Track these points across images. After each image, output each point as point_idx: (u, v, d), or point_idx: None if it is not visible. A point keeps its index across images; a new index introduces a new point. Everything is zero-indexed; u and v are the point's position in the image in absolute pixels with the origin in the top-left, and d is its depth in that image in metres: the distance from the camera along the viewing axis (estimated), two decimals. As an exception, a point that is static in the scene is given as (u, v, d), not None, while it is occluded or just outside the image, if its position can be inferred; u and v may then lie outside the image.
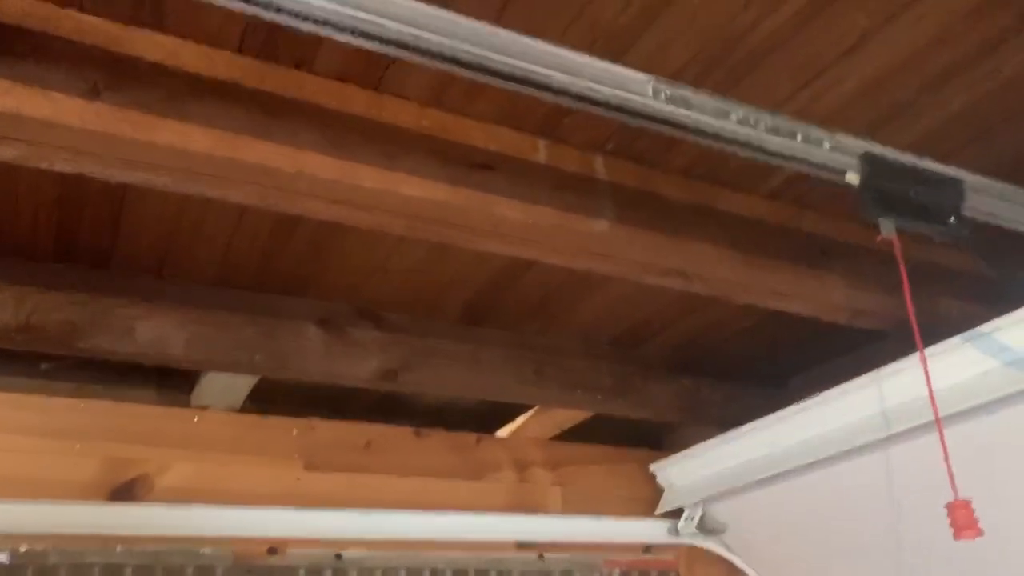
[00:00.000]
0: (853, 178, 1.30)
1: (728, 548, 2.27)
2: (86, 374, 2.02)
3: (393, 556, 2.01)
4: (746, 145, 1.25)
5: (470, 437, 2.26)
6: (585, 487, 2.34)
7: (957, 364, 1.54)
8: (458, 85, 1.39)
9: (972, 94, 1.45)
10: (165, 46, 1.24)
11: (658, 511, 2.31)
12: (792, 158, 1.27)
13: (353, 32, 1.05)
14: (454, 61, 1.08)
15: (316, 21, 1.03)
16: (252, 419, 2.03)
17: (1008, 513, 1.49)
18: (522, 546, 2.17)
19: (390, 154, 1.35)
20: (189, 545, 1.79)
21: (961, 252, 1.63)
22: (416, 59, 1.07)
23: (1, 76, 1.10)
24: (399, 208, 1.36)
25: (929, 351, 1.51)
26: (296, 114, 1.31)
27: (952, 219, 1.37)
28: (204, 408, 2.02)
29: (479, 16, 1.10)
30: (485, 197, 1.40)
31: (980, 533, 1.14)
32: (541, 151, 1.49)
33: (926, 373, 1.30)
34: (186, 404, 2.05)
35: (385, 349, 1.98)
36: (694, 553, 2.33)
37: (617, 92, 1.15)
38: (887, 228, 1.31)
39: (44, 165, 1.18)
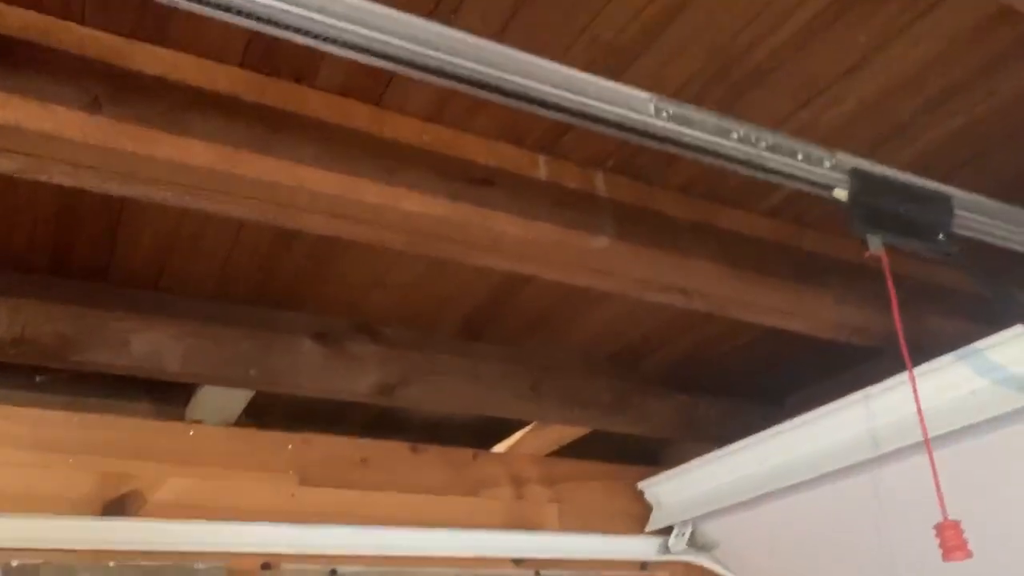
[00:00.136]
0: (841, 194, 1.31)
1: (723, 565, 2.26)
2: (80, 387, 2.00)
3: (388, 572, 1.99)
4: (746, 163, 1.25)
5: (467, 453, 2.25)
6: (582, 504, 2.33)
7: (947, 383, 1.54)
8: (459, 101, 1.39)
9: (970, 115, 1.46)
10: (166, 60, 1.24)
11: (647, 529, 2.30)
12: (780, 173, 1.27)
13: (357, 48, 1.05)
14: (457, 78, 1.08)
15: (320, 37, 1.03)
16: (247, 434, 2.01)
17: (997, 534, 1.48)
18: (518, 563, 2.16)
19: (391, 169, 1.35)
20: (182, 560, 1.77)
21: (951, 269, 1.63)
22: (419, 76, 1.07)
23: (1, 88, 1.10)
24: (399, 223, 1.36)
25: (918, 370, 1.51)
26: (297, 129, 1.31)
27: (941, 235, 1.37)
28: (199, 422, 2.00)
29: (482, 33, 1.10)
30: (485, 213, 1.40)
31: (969, 555, 1.14)
32: (542, 167, 1.49)
33: (915, 392, 1.29)
34: (181, 418, 2.04)
35: (382, 364, 1.97)
36: (690, 571, 2.32)
37: (619, 110, 1.15)
38: (875, 244, 1.31)
39: (43, 178, 1.17)
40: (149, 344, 1.73)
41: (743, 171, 1.28)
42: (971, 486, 1.46)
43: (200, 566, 1.79)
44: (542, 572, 2.16)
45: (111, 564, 1.71)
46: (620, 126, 1.17)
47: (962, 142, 1.51)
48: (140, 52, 1.22)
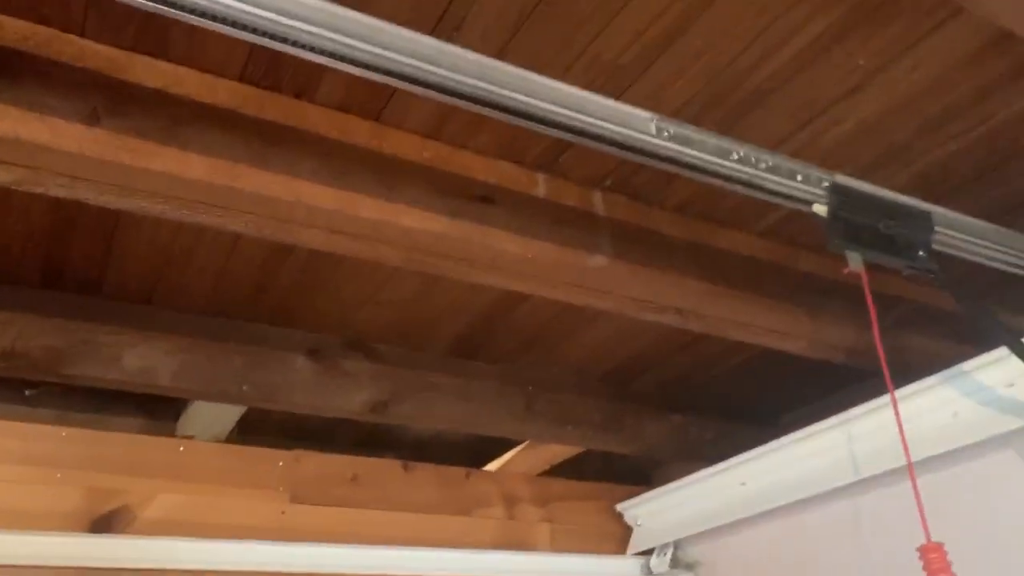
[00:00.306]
0: (820, 209, 1.31)
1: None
2: (70, 402, 1.98)
3: (379, 592, 1.97)
4: (748, 184, 1.26)
5: (459, 471, 2.23)
6: (574, 524, 2.31)
7: (929, 405, 1.53)
8: (459, 118, 1.39)
9: (966, 138, 1.47)
10: (166, 73, 1.23)
11: (629, 551, 2.28)
12: (760, 188, 1.27)
13: (359, 64, 1.05)
14: (459, 95, 1.09)
15: (323, 52, 1.03)
16: (237, 450, 1.99)
17: (981, 559, 1.46)
18: (508, 583, 2.14)
19: (390, 185, 1.34)
20: (171, 578, 1.75)
21: (934, 288, 1.63)
22: (421, 92, 1.08)
23: (0, 100, 1.09)
24: (398, 239, 1.35)
25: (902, 391, 1.50)
26: (296, 143, 1.30)
27: (921, 253, 1.37)
28: (189, 438, 1.98)
29: (483, 52, 1.10)
30: (484, 230, 1.40)
31: None
32: (540, 185, 1.50)
33: (896, 414, 1.28)
34: (172, 433, 2.02)
35: (375, 381, 1.96)
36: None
37: (620, 129, 1.16)
38: (855, 261, 1.31)
39: (40, 190, 1.16)
40: (141, 359, 1.71)
41: (741, 191, 1.28)
42: (954, 511, 1.45)
43: (188, 584, 1.76)
44: (531, 593, 2.14)
45: (98, 581, 1.68)
46: (621, 145, 1.17)
47: (958, 165, 1.52)
48: (140, 65, 1.22)
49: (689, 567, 2.21)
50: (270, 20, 0.99)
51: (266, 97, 1.30)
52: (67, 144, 1.12)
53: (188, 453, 1.92)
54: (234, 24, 0.97)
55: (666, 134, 1.18)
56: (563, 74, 1.27)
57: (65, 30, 1.17)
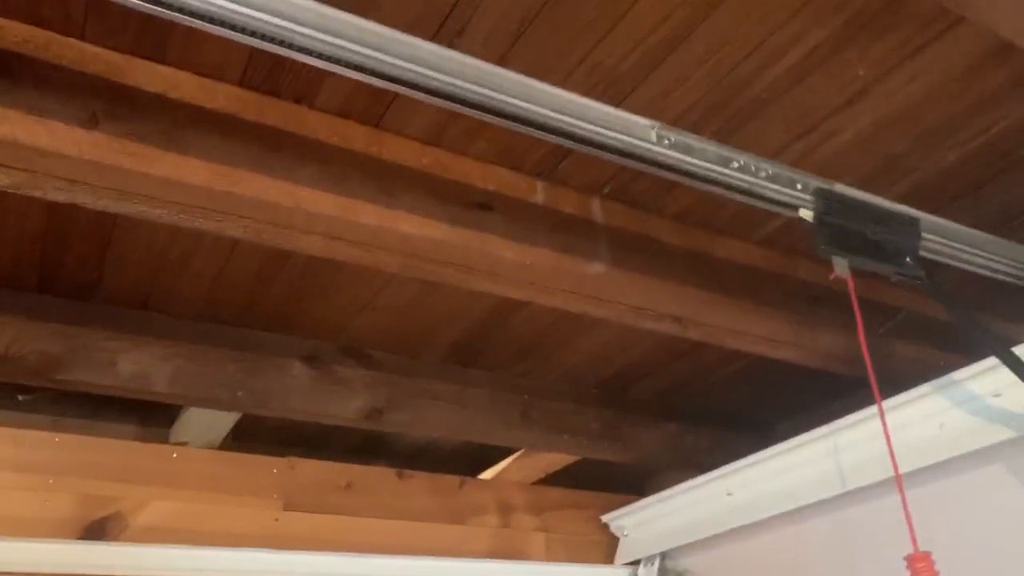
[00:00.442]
0: (807, 214, 1.31)
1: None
2: (63, 407, 1.97)
3: (373, 601, 1.96)
4: (748, 192, 1.26)
5: (453, 480, 2.22)
6: (569, 533, 2.30)
7: (918, 415, 1.53)
8: (458, 124, 1.39)
9: (964, 149, 1.47)
10: (166, 77, 1.23)
11: (616, 562, 2.28)
12: (747, 192, 1.27)
13: (360, 69, 1.05)
14: (460, 100, 1.09)
15: (324, 57, 1.03)
16: (231, 457, 1.98)
17: (973, 570, 1.45)
18: (502, 592, 2.13)
19: (389, 191, 1.34)
20: (163, 586, 1.73)
21: (921, 295, 1.63)
22: (423, 97, 1.08)
23: (-1, 102, 1.09)
24: (397, 246, 1.35)
25: (891, 401, 1.50)
26: (295, 149, 1.30)
27: (908, 259, 1.37)
28: (183, 444, 1.97)
29: (485, 58, 1.10)
30: (483, 237, 1.40)
31: None
32: (539, 192, 1.49)
33: (884, 426, 1.28)
34: (165, 440, 2.00)
35: (371, 388, 1.95)
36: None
37: (621, 136, 1.16)
38: (841, 266, 1.31)
39: (37, 194, 1.16)
40: (136, 364, 1.70)
41: (740, 199, 1.29)
42: (943, 523, 1.44)
43: (181, 592, 1.75)
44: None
45: (90, 589, 1.67)
46: (622, 152, 1.17)
47: (956, 176, 1.53)
48: (140, 69, 1.21)
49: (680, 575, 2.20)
50: (271, 24, 0.98)
51: (266, 102, 1.30)
52: (66, 148, 1.12)
53: (182, 460, 1.91)
54: (234, 28, 0.97)
55: (667, 142, 1.19)
56: (564, 80, 1.27)
57: (65, 33, 1.17)
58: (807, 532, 1.82)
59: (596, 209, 1.54)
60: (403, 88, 1.07)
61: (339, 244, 1.33)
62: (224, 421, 2.03)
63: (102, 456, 1.81)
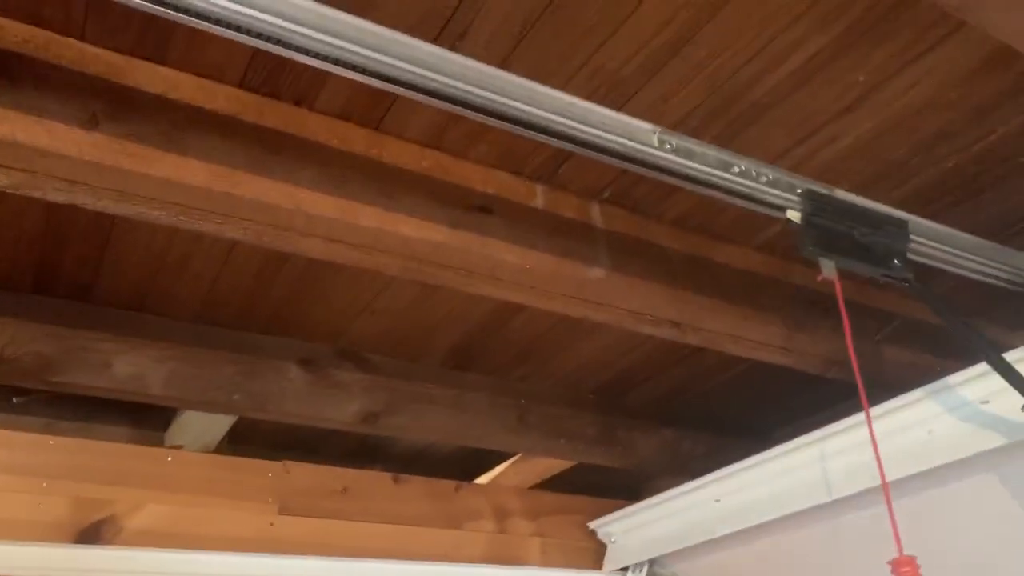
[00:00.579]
0: (794, 215, 1.31)
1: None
2: (58, 409, 1.96)
3: (368, 605, 1.95)
4: (762, 203, 1.26)
5: (449, 484, 2.21)
6: (565, 538, 2.30)
7: (905, 422, 1.52)
8: (458, 128, 1.38)
9: (963, 155, 1.48)
10: (167, 78, 1.22)
11: (604, 568, 2.27)
12: (736, 193, 1.27)
13: (362, 70, 1.04)
14: (462, 103, 1.08)
15: (326, 58, 1.03)
16: (226, 460, 1.97)
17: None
18: (499, 598, 2.12)
19: (389, 194, 1.34)
20: (157, 591, 1.72)
21: (913, 298, 1.63)
22: (424, 99, 1.08)
23: (-2, 102, 1.08)
24: (397, 248, 1.34)
25: (882, 407, 1.49)
26: (296, 151, 1.30)
27: (896, 261, 1.37)
28: (178, 448, 1.96)
29: (488, 60, 1.10)
30: (483, 240, 1.40)
31: None
32: (539, 196, 1.49)
33: (871, 431, 1.28)
34: (160, 443, 1.99)
35: (368, 391, 1.95)
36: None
37: (623, 140, 1.16)
38: (828, 268, 1.31)
39: (37, 194, 1.15)
40: (132, 366, 1.69)
41: (740, 203, 1.29)
42: (931, 532, 1.42)
43: (175, 596, 1.74)
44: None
45: (83, 593, 1.66)
46: (624, 156, 1.17)
47: (955, 182, 1.53)
48: (140, 70, 1.21)
49: (668, 579, 2.20)
50: (272, 24, 0.98)
51: (266, 104, 1.30)
52: (66, 148, 1.11)
53: (176, 463, 1.89)
54: (238, 29, 0.97)
55: (668, 146, 1.19)
56: (565, 84, 1.26)
57: (65, 33, 1.16)
58: (796, 540, 1.81)
59: (596, 214, 1.54)
60: (405, 90, 1.07)
61: (339, 247, 1.32)
62: (219, 424, 2.02)
63: (96, 459, 1.80)
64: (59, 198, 1.16)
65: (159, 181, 1.18)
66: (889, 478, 1.26)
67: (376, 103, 1.33)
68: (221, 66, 1.25)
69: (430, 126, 1.38)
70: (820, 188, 1.33)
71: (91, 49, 1.18)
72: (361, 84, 1.07)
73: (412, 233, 1.34)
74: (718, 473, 1.92)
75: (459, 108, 1.07)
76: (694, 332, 1.62)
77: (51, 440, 1.78)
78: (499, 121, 1.11)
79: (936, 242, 1.45)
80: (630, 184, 1.53)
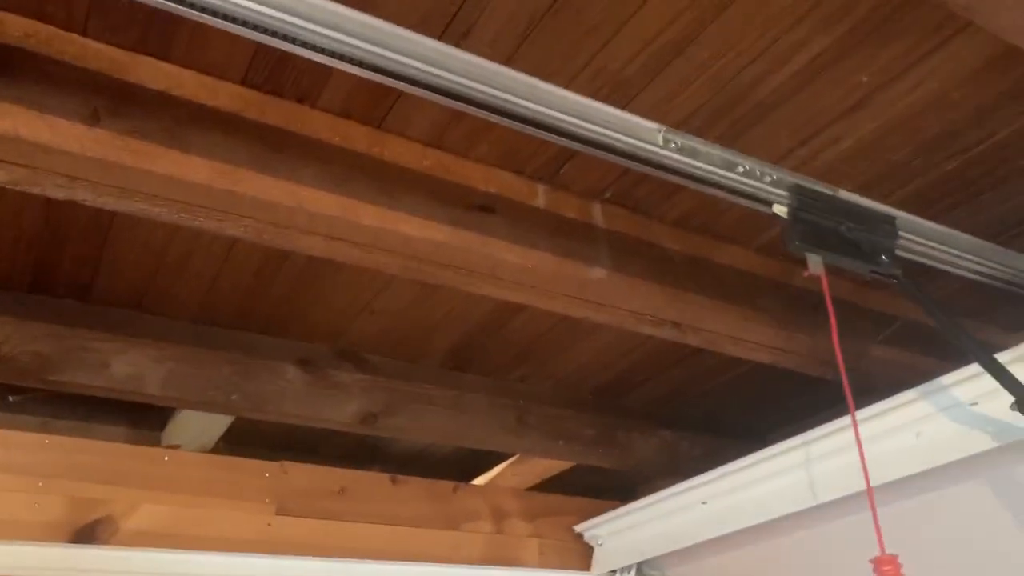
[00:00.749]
0: (781, 210, 1.31)
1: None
2: (54, 409, 1.95)
3: (365, 607, 1.94)
4: (749, 197, 1.26)
5: (447, 485, 2.21)
6: (561, 540, 2.30)
7: (892, 425, 1.51)
8: (460, 127, 1.38)
9: (965, 157, 1.47)
10: (169, 75, 1.22)
11: (592, 571, 2.26)
12: (718, 185, 1.26)
13: (366, 66, 1.04)
14: (467, 100, 1.08)
15: (329, 53, 1.03)
16: (223, 461, 1.96)
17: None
18: (495, 599, 2.12)
19: (391, 193, 1.33)
20: (154, 591, 1.71)
21: (901, 296, 1.62)
22: (429, 96, 1.07)
23: (0, 98, 1.07)
24: (398, 247, 1.34)
25: (870, 410, 1.49)
26: (297, 149, 1.29)
27: (884, 257, 1.36)
28: (175, 447, 1.95)
29: (492, 58, 1.10)
30: (484, 240, 1.39)
31: None
32: (540, 196, 1.49)
33: (857, 434, 1.27)
34: (157, 443, 1.98)
35: (366, 392, 1.94)
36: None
37: (628, 139, 1.16)
38: (815, 263, 1.30)
39: (37, 190, 1.14)
40: (130, 366, 1.68)
41: (744, 203, 1.29)
42: (918, 536, 1.41)
43: (172, 597, 1.73)
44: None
45: (79, 594, 1.65)
46: (628, 155, 1.17)
47: (956, 183, 1.53)
48: (142, 66, 1.20)
49: (657, 582, 2.19)
50: (276, 19, 0.98)
51: (268, 101, 1.29)
52: (67, 144, 1.11)
53: (173, 463, 1.89)
54: (244, 23, 0.97)
55: (673, 145, 1.19)
56: (569, 83, 1.26)
57: (67, 29, 1.16)
58: (783, 544, 1.81)
59: (597, 214, 1.54)
60: (409, 86, 1.07)
61: (340, 245, 1.32)
62: (217, 424, 2.01)
63: (93, 459, 1.79)
64: (60, 194, 1.15)
65: (161, 178, 1.17)
66: (876, 482, 1.25)
67: (378, 102, 1.33)
68: (224, 63, 1.24)
69: (432, 125, 1.38)
70: (807, 183, 1.33)
71: (93, 45, 1.17)
72: (363, 82, 1.06)
73: (413, 232, 1.34)
74: (704, 476, 1.91)
75: (463, 105, 1.07)
76: (695, 333, 1.62)
77: (48, 439, 1.77)
78: (504, 119, 1.11)
79: (930, 240, 1.45)
80: (632, 184, 1.53)
